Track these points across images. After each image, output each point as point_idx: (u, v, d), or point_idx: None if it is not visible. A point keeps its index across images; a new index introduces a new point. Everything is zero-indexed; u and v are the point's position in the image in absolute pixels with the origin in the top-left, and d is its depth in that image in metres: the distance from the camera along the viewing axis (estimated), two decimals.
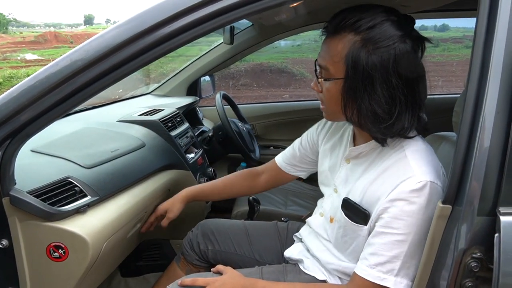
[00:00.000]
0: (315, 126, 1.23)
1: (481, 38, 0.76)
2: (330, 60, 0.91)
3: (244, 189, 1.37)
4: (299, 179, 1.35)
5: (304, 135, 1.26)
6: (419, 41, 0.90)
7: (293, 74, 10.06)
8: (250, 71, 10.21)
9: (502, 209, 0.74)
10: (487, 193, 0.75)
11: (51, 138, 1.28)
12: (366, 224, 0.94)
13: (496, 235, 0.74)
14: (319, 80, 0.95)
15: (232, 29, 1.71)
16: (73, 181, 1.06)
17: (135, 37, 0.83)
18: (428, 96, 1.75)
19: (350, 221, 0.97)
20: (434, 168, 0.90)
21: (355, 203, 0.97)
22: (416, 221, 0.86)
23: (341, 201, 1.00)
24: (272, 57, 10.70)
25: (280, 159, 1.31)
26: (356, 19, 0.86)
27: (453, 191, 0.78)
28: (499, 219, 0.74)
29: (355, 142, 1.04)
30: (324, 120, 1.20)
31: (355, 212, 0.97)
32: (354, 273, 0.94)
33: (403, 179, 0.88)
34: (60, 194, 1.02)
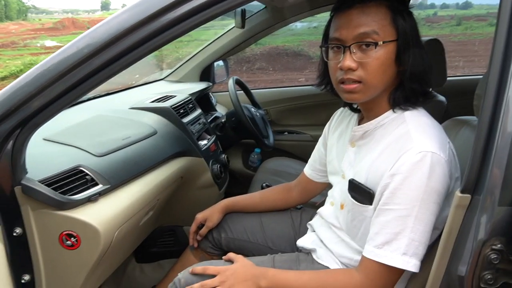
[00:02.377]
0: (327, 124, 1.23)
1: (506, 14, 0.71)
2: (378, 24, 0.88)
3: (279, 203, 1.36)
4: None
5: (321, 137, 1.26)
6: None
7: (309, 57, 9.91)
8: (265, 54, 10.11)
9: None
10: (510, 181, 0.71)
11: (63, 127, 1.29)
12: (371, 204, 0.92)
13: None
14: (369, 48, 0.88)
15: (243, 13, 1.67)
16: (84, 170, 1.06)
17: (141, 23, 0.82)
18: (448, 78, 1.68)
19: (357, 203, 0.96)
20: (438, 140, 0.87)
21: (359, 183, 0.95)
22: (418, 194, 0.83)
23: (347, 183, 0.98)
24: (288, 40, 10.55)
25: (307, 167, 1.31)
26: None
27: (473, 180, 0.75)
28: None
29: (360, 124, 1.03)
30: (333, 115, 1.21)
31: (360, 193, 0.95)
32: (362, 256, 0.92)
33: (404, 152, 0.86)
34: (72, 182, 1.02)
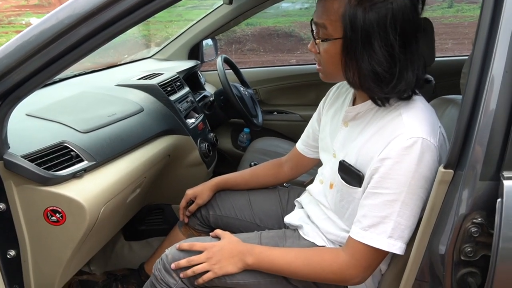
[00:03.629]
0: (322, 100, 1.22)
1: None
2: (327, 18, 0.86)
3: (270, 178, 1.35)
4: None
5: (315, 112, 1.25)
6: None
7: (300, 38, 9.81)
8: (256, 35, 9.98)
9: (506, 173, 0.72)
10: (491, 157, 0.73)
11: (47, 102, 1.26)
12: (360, 186, 0.93)
13: (499, 200, 0.71)
14: (316, 41, 0.91)
15: None
16: (69, 146, 1.05)
17: None
18: (437, 59, 1.69)
19: (346, 184, 0.96)
20: (429, 126, 0.87)
21: (349, 164, 0.95)
22: (406, 179, 0.84)
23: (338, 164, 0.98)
24: (280, 21, 10.41)
25: (299, 142, 1.31)
26: None
27: (456, 156, 0.76)
28: (503, 183, 0.71)
29: (354, 104, 1.02)
30: (329, 91, 1.20)
31: (350, 174, 0.95)
32: (349, 237, 0.93)
33: (395, 136, 0.86)
34: (56, 158, 1.01)
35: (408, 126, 0.85)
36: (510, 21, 0.70)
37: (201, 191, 1.32)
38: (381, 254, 0.91)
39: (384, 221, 0.87)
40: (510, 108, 0.71)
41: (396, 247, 0.87)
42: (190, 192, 1.33)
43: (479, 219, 0.74)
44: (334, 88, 1.18)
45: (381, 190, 0.87)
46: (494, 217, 0.72)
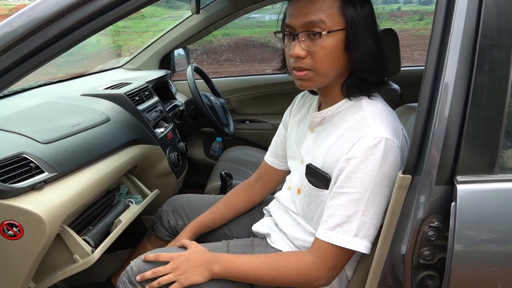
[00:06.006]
0: (288, 108, 1.21)
1: (443, 3, 0.74)
2: (324, 13, 0.87)
3: (245, 204, 1.30)
4: None
5: (280, 123, 1.24)
6: None
7: (276, 49, 9.87)
8: (233, 45, 10.02)
9: (459, 178, 0.74)
10: (446, 162, 0.75)
11: (7, 113, 1.22)
12: (327, 188, 0.94)
13: (453, 203, 0.73)
14: (314, 38, 0.88)
15: None
16: (28, 157, 1.01)
17: (81, 2, 0.78)
18: (403, 68, 1.73)
19: (313, 187, 0.97)
20: (392, 127, 0.89)
21: (316, 167, 0.96)
22: (371, 178, 0.86)
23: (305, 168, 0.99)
24: (256, 32, 10.51)
25: (268, 155, 1.28)
26: None
27: (413, 161, 0.78)
28: (456, 187, 0.73)
29: (319, 110, 1.03)
30: (294, 99, 1.20)
31: (317, 177, 0.96)
32: (315, 238, 0.94)
33: (360, 137, 0.87)
34: (14, 170, 0.97)
35: (372, 127, 0.88)
36: (460, 30, 0.73)
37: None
38: (347, 254, 0.91)
39: (349, 220, 0.88)
40: (462, 114, 0.74)
41: (362, 246, 0.88)
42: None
43: (436, 223, 0.76)
44: (299, 96, 1.19)
45: (346, 189, 0.88)
46: (449, 221, 0.73)
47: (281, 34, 0.97)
